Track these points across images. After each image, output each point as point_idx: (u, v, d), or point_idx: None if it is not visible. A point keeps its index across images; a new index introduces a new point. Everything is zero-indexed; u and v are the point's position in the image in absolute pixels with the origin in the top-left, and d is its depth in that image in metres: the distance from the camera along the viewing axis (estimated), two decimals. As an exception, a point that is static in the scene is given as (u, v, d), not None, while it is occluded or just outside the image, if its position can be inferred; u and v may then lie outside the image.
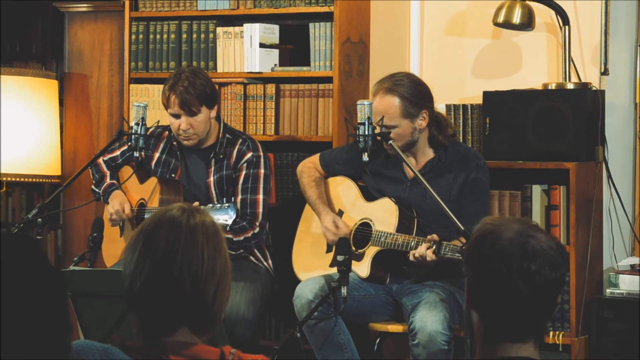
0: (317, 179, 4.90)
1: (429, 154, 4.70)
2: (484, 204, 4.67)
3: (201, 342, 2.34)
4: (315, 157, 4.96)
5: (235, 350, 2.34)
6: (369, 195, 4.78)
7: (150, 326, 2.30)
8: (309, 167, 4.93)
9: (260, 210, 4.86)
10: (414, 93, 4.61)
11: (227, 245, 4.81)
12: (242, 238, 4.79)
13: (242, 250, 4.85)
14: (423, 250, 4.38)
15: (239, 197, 4.85)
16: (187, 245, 2.29)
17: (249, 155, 4.89)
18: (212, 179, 4.90)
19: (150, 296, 2.28)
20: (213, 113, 4.88)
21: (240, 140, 4.93)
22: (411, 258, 4.44)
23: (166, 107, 4.86)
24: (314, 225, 4.90)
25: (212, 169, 4.91)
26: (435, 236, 4.40)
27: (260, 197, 4.87)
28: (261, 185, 4.88)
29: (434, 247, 4.36)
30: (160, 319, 2.29)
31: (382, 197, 4.68)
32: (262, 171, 4.89)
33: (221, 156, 4.90)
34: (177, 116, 4.83)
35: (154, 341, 2.29)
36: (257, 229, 4.83)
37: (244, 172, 4.87)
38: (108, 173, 5.05)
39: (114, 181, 5.02)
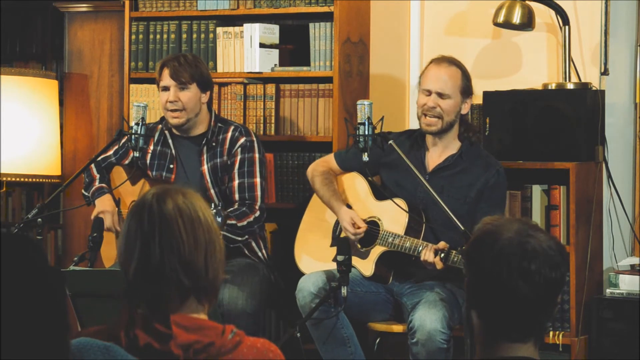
0: (330, 178, 4.89)
1: (454, 148, 4.71)
2: (500, 212, 4.67)
3: (205, 315, 2.39)
4: (329, 157, 4.97)
5: (237, 330, 2.37)
6: (380, 193, 4.77)
7: (156, 308, 2.35)
8: (322, 166, 4.92)
9: (259, 193, 4.85)
10: (468, 77, 4.74)
11: (232, 231, 4.87)
12: (245, 223, 4.79)
13: (247, 237, 4.85)
14: (431, 257, 4.40)
15: (236, 181, 4.85)
16: (162, 229, 2.34)
17: (243, 140, 4.89)
18: (205, 167, 4.90)
19: (144, 281, 2.34)
20: (204, 98, 4.89)
21: (233, 127, 4.93)
22: (422, 258, 4.44)
23: (158, 82, 4.89)
24: (320, 217, 4.89)
25: (205, 156, 4.91)
26: (444, 243, 4.40)
27: (258, 180, 4.86)
28: (257, 169, 4.87)
29: (441, 255, 4.38)
30: (161, 300, 2.35)
31: (398, 189, 4.68)
32: (257, 155, 4.89)
33: (213, 144, 4.91)
34: (166, 89, 4.86)
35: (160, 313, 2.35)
36: (257, 213, 4.83)
37: (239, 157, 4.87)
38: (97, 177, 5.05)
39: (103, 184, 5.01)
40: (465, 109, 4.72)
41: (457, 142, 4.73)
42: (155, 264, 2.33)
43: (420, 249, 4.47)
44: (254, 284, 4.80)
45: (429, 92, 4.66)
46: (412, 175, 4.60)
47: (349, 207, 4.82)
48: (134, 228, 2.37)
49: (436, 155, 4.71)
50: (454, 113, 4.68)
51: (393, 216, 4.65)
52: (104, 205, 4.90)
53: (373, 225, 4.73)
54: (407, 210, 4.60)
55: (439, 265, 4.38)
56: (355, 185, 4.87)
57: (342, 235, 4.71)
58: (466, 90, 4.70)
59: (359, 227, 4.68)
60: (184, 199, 2.39)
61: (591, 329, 4.89)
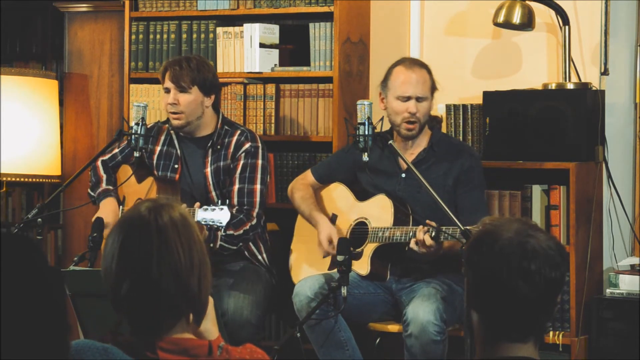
0: (310, 193, 4.92)
1: (423, 143, 4.74)
2: (481, 194, 4.69)
3: (194, 334, 2.35)
4: (306, 173, 5.01)
5: (223, 344, 2.35)
6: (363, 195, 4.79)
7: (144, 328, 2.31)
8: (301, 184, 4.96)
9: (258, 199, 4.84)
10: (432, 74, 4.78)
11: (228, 240, 4.82)
12: (241, 232, 4.77)
13: (241, 244, 4.83)
14: (421, 235, 4.38)
15: (236, 186, 4.84)
16: (160, 245, 2.29)
17: (248, 145, 4.89)
18: (209, 169, 4.90)
19: (137, 301, 2.29)
20: (208, 102, 4.89)
21: (239, 132, 4.93)
22: (412, 245, 4.44)
23: (162, 83, 4.91)
24: (308, 234, 4.89)
25: (209, 158, 4.91)
26: (432, 222, 4.40)
27: (258, 186, 4.85)
28: (259, 175, 4.87)
29: (432, 232, 4.36)
30: (152, 320, 2.30)
31: (377, 191, 4.70)
32: (259, 162, 4.89)
33: (218, 146, 4.91)
34: (168, 90, 4.88)
35: (146, 338, 2.30)
36: (254, 221, 4.81)
37: (241, 162, 4.87)
38: (104, 177, 5.05)
39: (110, 187, 5.02)
40: (434, 106, 4.81)
41: (425, 136, 4.74)
42: (153, 282, 2.27)
43: (412, 234, 4.47)
44: (259, 292, 4.79)
45: (407, 98, 4.67)
46: (388, 176, 4.66)
47: (335, 216, 4.84)
48: (130, 244, 2.30)
49: (407, 153, 4.73)
50: (429, 114, 4.75)
51: (379, 212, 4.67)
52: (105, 211, 4.88)
53: (362, 226, 4.74)
54: (389, 198, 4.63)
55: (429, 242, 4.36)
56: (338, 193, 4.89)
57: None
58: (434, 88, 4.75)
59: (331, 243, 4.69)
60: (180, 217, 2.33)
61: (591, 329, 4.89)
